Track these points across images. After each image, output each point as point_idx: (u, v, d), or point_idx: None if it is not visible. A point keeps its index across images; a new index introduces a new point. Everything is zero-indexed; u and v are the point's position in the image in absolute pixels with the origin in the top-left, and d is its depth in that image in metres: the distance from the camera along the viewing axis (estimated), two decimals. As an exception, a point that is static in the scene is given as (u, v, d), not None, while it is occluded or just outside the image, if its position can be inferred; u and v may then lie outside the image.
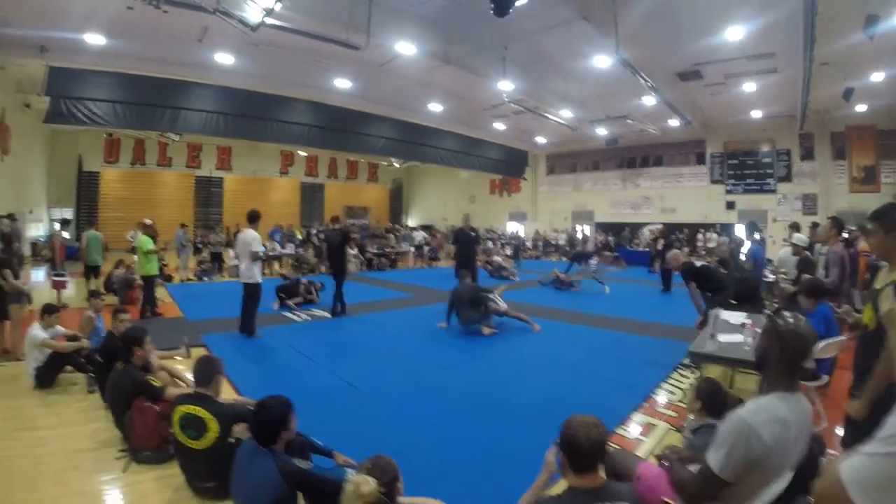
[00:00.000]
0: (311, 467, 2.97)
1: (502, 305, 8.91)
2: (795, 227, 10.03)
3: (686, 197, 24.74)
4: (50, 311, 6.15)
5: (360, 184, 35.88)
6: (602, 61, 13.86)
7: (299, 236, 21.36)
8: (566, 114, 19.65)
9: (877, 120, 18.98)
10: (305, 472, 2.89)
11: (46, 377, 5.73)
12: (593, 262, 14.53)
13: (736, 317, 5.51)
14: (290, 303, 10.98)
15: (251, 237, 8.27)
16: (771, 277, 9.68)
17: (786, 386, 2.08)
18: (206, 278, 15.77)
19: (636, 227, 26.17)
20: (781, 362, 2.09)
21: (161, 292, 12.24)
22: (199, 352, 6.18)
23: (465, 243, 11.67)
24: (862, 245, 8.20)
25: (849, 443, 2.96)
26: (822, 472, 1.21)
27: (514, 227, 31.35)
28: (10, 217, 12.17)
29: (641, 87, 14.82)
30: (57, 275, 11.21)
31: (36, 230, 20.65)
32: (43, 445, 4.33)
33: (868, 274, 7.44)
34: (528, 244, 28.53)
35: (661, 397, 5.70)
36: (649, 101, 17.36)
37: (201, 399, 3.54)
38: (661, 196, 25.77)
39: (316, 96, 17.70)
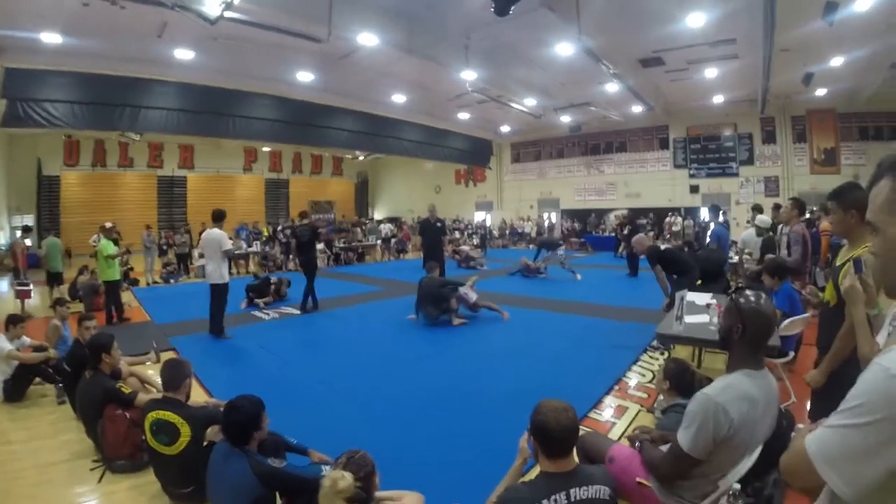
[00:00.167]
0: (285, 466, 2.94)
1: (472, 297, 8.90)
2: (758, 209, 10.21)
3: (650, 182, 25.05)
4: (15, 322, 5.99)
5: (324, 178, 35.54)
6: (565, 49, 13.93)
7: (265, 233, 21.12)
8: (530, 102, 19.71)
9: (836, 103, 19.41)
10: (279, 471, 2.86)
11: (15, 390, 5.59)
12: (561, 250, 14.59)
13: (702, 298, 5.58)
14: (259, 301, 10.83)
15: (218, 236, 8.13)
16: (735, 258, 9.86)
17: (751, 363, 2.11)
18: (172, 280, 15.49)
19: (602, 213, 26.47)
20: (745, 340, 2.12)
21: (128, 296, 12.02)
22: (168, 355, 6.09)
23: (431, 234, 11.63)
24: (823, 225, 8.37)
25: (816, 416, 3.02)
26: (789, 446, 1.22)
27: (480, 217, 31.43)
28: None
29: (604, 74, 14.94)
30: (20, 283, 10.93)
31: (-5, 239, 20.16)
32: (15, 460, 4.24)
33: (829, 253, 7.62)
34: (495, 233, 28.61)
35: (632, 380, 5.78)
36: (612, 87, 17.53)
37: (171, 404, 3.48)
38: (625, 182, 26.05)
39: (278, 90, 17.42)
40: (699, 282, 7.39)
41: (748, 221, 10.94)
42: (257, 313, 10.13)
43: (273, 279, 11.64)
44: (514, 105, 19.35)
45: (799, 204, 7.01)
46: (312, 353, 7.40)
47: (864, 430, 0.98)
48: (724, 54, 15.00)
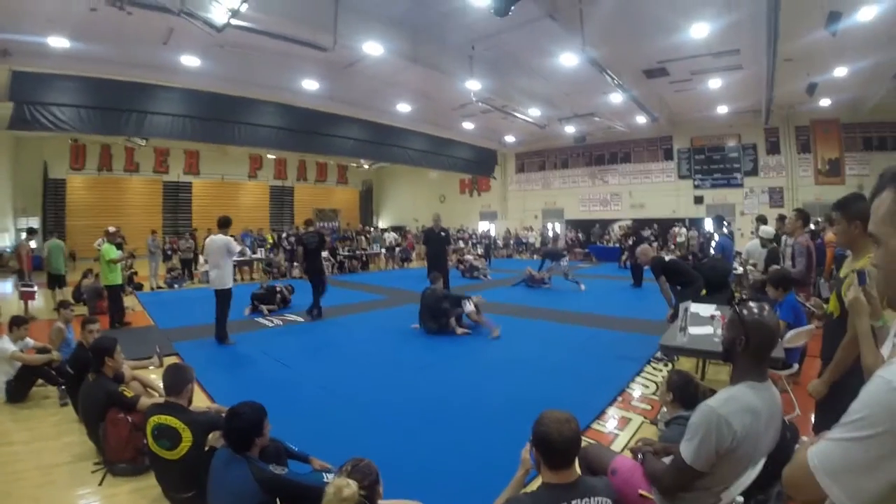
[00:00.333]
0: (287, 472, 2.93)
1: (468, 307, 8.81)
2: (762, 220, 10.19)
3: (654, 193, 25.07)
4: (19, 323, 6.00)
5: (329, 186, 35.66)
6: (569, 59, 13.97)
7: (269, 240, 21.15)
8: (534, 112, 19.77)
9: (840, 114, 19.43)
10: (281, 478, 2.85)
11: (18, 391, 5.60)
12: (565, 261, 14.56)
13: (706, 309, 5.57)
14: (263, 308, 10.82)
15: (224, 241, 8.14)
16: (740, 269, 9.83)
17: (755, 375, 2.11)
18: (176, 286, 15.54)
19: (606, 224, 26.47)
20: (748, 352, 2.11)
21: (131, 301, 12.06)
22: (171, 360, 6.09)
23: (436, 243, 11.62)
24: (828, 236, 8.34)
25: (820, 428, 3.01)
26: (791, 459, 1.21)
27: (484, 227, 31.40)
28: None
29: (608, 84, 14.98)
30: (25, 285, 10.96)
31: (1, 241, 20.19)
32: (17, 461, 4.24)
33: (834, 264, 7.60)
34: (499, 243, 28.60)
35: (636, 391, 5.74)
36: (616, 98, 17.56)
37: (173, 408, 3.47)
38: (629, 192, 26.07)
39: (283, 98, 17.51)
40: (703, 292, 7.38)
41: (752, 232, 10.94)
42: (261, 320, 10.12)
43: (279, 287, 11.60)
44: (518, 115, 19.40)
45: (803, 215, 7.01)
46: (315, 360, 7.37)
47: (867, 444, 0.98)
48: (728, 65, 15.03)
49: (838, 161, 19.96)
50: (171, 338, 8.36)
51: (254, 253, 18.53)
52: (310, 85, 16.61)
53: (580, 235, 26.80)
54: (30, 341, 6.08)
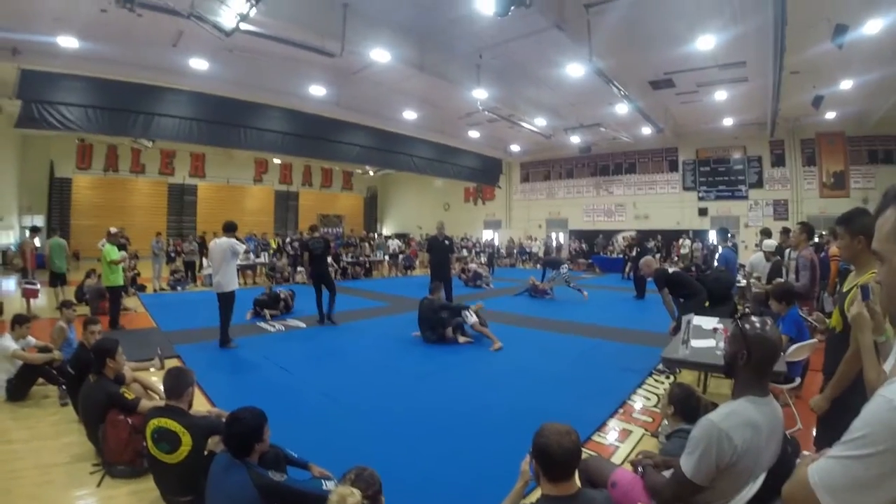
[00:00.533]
0: (286, 479, 2.92)
1: (470, 320, 8.74)
2: (766, 233, 10.17)
3: (659, 204, 25.09)
4: (21, 322, 5.99)
5: (334, 192, 35.77)
6: (575, 70, 14.02)
7: (273, 245, 21.18)
8: (540, 122, 19.78)
9: (846, 127, 19.44)
10: (280, 485, 2.84)
11: (18, 389, 5.60)
12: (565, 268, 14.54)
13: (708, 322, 5.56)
14: (266, 312, 10.82)
15: (228, 243, 8.16)
16: (743, 282, 9.81)
17: (756, 390, 2.10)
18: (179, 288, 15.58)
19: (610, 234, 26.44)
20: (750, 367, 2.11)
21: (134, 302, 12.10)
22: (172, 363, 6.09)
23: (439, 251, 11.62)
24: (833, 250, 8.34)
25: (821, 443, 3.00)
26: (792, 474, 1.21)
27: (488, 235, 31.45)
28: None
29: (614, 95, 14.99)
30: (28, 282, 10.99)
31: (6, 238, 20.25)
32: (16, 459, 4.23)
33: (838, 278, 7.57)
34: (503, 252, 28.60)
35: (637, 403, 5.72)
36: (622, 109, 17.57)
37: (173, 412, 3.47)
38: (634, 203, 26.10)
39: (290, 103, 17.58)
40: (706, 304, 7.36)
41: (756, 245, 10.94)
42: (263, 325, 10.12)
43: (282, 293, 11.59)
44: (524, 124, 19.43)
45: (808, 228, 6.99)
46: (317, 367, 7.36)
47: (867, 462, 0.98)
48: (734, 77, 15.05)
49: (843, 174, 19.95)
50: (173, 340, 8.37)
51: (257, 257, 18.56)
52: (317, 91, 16.68)
53: (584, 246, 26.80)
54: (31, 340, 6.08)
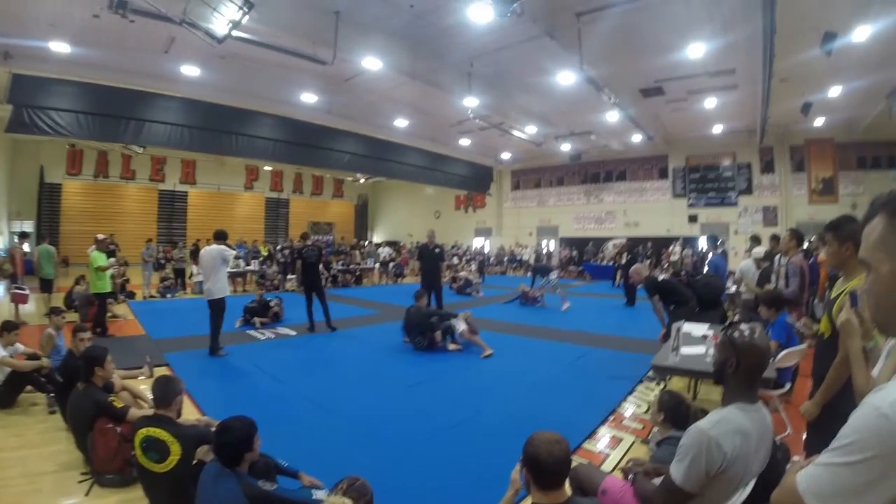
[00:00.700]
0: (276, 489, 2.91)
1: (459, 327, 8.71)
2: (756, 240, 10.23)
3: (649, 211, 25.21)
4: (9, 329, 5.92)
5: (325, 199, 35.75)
6: (566, 78, 14.07)
7: (263, 252, 21.12)
8: (531, 129, 19.87)
9: (835, 133, 19.60)
10: (270, 494, 2.83)
11: (6, 397, 5.55)
12: (554, 275, 14.54)
13: (698, 329, 5.57)
14: (255, 321, 10.77)
15: (217, 250, 8.15)
16: (733, 288, 9.85)
17: (745, 397, 2.11)
18: (169, 295, 15.49)
19: (600, 242, 26.50)
20: (739, 375, 2.12)
21: (123, 309, 12.02)
22: (161, 371, 6.06)
23: (429, 259, 11.60)
24: (822, 256, 8.39)
25: (811, 448, 3.02)
26: (781, 481, 1.22)
27: (479, 243, 31.51)
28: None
29: (605, 103, 15.08)
30: (18, 288, 10.91)
31: (-6, 244, 20.11)
32: (3, 468, 4.18)
33: (827, 284, 7.62)
34: (493, 260, 28.62)
35: (627, 410, 5.73)
36: (612, 116, 17.69)
37: (162, 421, 3.44)
38: (624, 210, 26.22)
39: (282, 111, 17.59)
40: (696, 309, 7.37)
41: (746, 251, 11.01)
42: (253, 333, 10.06)
43: (272, 302, 11.55)
44: (515, 132, 19.51)
45: (797, 235, 7.05)
46: (307, 375, 7.33)
47: (855, 468, 0.99)
48: (724, 84, 15.17)
49: (832, 180, 20.09)
50: (163, 348, 8.30)
51: (247, 265, 18.48)
52: (308, 98, 16.71)
53: (574, 253, 26.87)
54: (20, 347, 6.00)
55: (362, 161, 21.74)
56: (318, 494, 2.87)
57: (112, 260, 10.02)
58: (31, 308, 11.60)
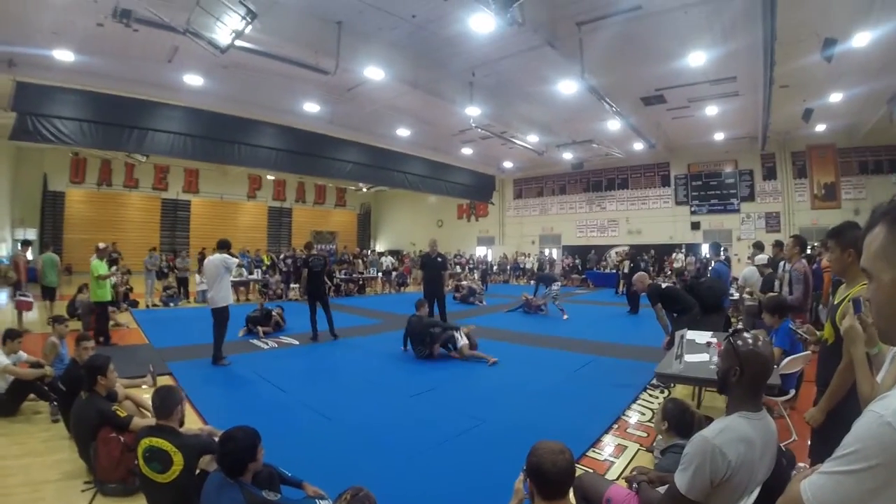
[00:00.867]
0: (280, 499, 2.91)
1: (460, 342, 8.64)
2: (759, 247, 10.22)
3: (652, 219, 25.20)
4: (12, 337, 5.94)
5: (327, 208, 35.81)
6: (568, 87, 14.12)
7: (266, 261, 21.13)
8: (533, 138, 19.88)
9: (836, 138, 19.63)
10: (274, 504, 2.83)
11: (9, 405, 5.56)
12: (556, 285, 14.48)
13: (702, 336, 5.56)
14: (259, 329, 10.76)
15: (220, 259, 8.18)
16: (736, 295, 9.84)
17: (749, 405, 2.10)
18: (172, 304, 15.48)
19: (603, 250, 26.52)
20: (743, 383, 2.11)
21: (126, 318, 12.03)
22: (164, 380, 6.06)
23: (432, 269, 11.60)
24: (825, 262, 8.38)
25: (816, 455, 3.01)
26: (785, 490, 1.22)
27: (482, 252, 31.48)
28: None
29: (606, 111, 15.09)
30: (22, 295, 10.94)
31: (-2, 251, 20.16)
32: (7, 476, 4.18)
33: (831, 290, 7.60)
34: (496, 268, 28.59)
35: (632, 418, 5.71)
36: (614, 125, 17.71)
37: (164, 431, 3.44)
38: (627, 218, 26.21)
39: (285, 120, 17.65)
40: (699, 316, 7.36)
41: (749, 258, 11.00)
42: (256, 342, 10.05)
43: (274, 311, 11.54)
44: (517, 141, 19.51)
45: (800, 241, 7.05)
46: (310, 384, 7.32)
47: (859, 477, 0.99)
48: (725, 92, 15.21)
49: (834, 185, 20.11)
50: (166, 357, 8.30)
51: (250, 274, 18.49)
52: (311, 108, 16.77)
53: (577, 261, 26.88)
54: (23, 355, 6.01)
55: (365, 170, 21.77)
56: (324, 504, 2.87)
57: (114, 269, 10.02)
58: (35, 316, 11.63)
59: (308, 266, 10.36)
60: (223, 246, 8.40)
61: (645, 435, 5.16)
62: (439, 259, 11.65)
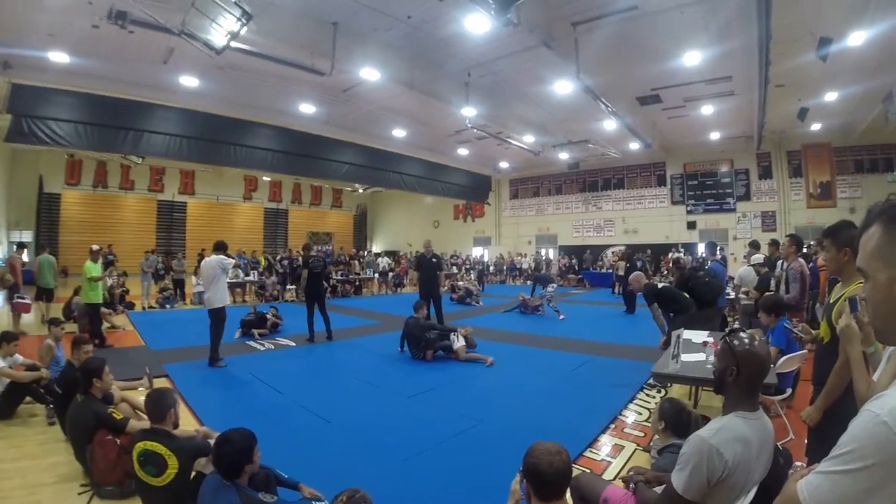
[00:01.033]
0: (277, 500, 2.90)
1: (456, 344, 8.66)
2: (755, 246, 10.25)
3: (648, 218, 25.28)
4: (8, 339, 5.89)
5: (324, 209, 35.82)
6: (563, 87, 14.14)
7: (262, 263, 21.10)
8: (529, 139, 19.90)
9: (831, 137, 19.72)
10: (270, 507, 2.82)
11: (5, 408, 5.54)
12: (552, 286, 14.45)
13: (698, 336, 5.56)
14: (254, 331, 10.73)
15: (217, 260, 8.18)
16: (732, 294, 9.85)
17: (746, 405, 2.10)
18: (168, 306, 15.46)
19: (599, 250, 26.58)
20: (739, 383, 2.11)
21: (122, 320, 12.00)
22: (161, 382, 6.04)
23: (427, 269, 11.60)
24: (821, 260, 8.40)
25: (812, 454, 3.01)
26: (782, 490, 1.22)
27: (478, 252, 31.50)
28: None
29: (602, 111, 15.13)
30: (19, 297, 10.90)
31: (-7, 253, 20.08)
32: (3, 479, 4.16)
33: (828, 288, 7.62)
34: (492, 269, 28.60)
35: (629, 418, 5.71)
36: (610, 125, 17.73)
37: (159, 434, 3.43)
38: (623, 218, 26.27)
39: (280, 121, 17.64)
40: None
41: (745, 257, 11.01)
42: (252, 343, 10.03)
43: (269, 314, 11.52)
44: (513, 142, 19.53)
45: (796, 240, 7.05)
46: (307, 385, 7.30)
47: (855, 476, 0.99)
48: (721, 91, 15.24)
49: (830, 184, 20.21)
50: (162, 359, 8.26)
51: (246, 275, 18.46)
52: (307, 108, 16.76)
53: (573, 261, 26.91)
54: (19, 357, 5.97)
55: (361, 171, 21.78)
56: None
57: (109, 270, 9.98)
58: (30, 318, 11.59)
59: (308, 267, 10.36)
60: (220, 248, 8.40)
61: (642, 435, 5.16)
62: (434, 260, 11.65)
